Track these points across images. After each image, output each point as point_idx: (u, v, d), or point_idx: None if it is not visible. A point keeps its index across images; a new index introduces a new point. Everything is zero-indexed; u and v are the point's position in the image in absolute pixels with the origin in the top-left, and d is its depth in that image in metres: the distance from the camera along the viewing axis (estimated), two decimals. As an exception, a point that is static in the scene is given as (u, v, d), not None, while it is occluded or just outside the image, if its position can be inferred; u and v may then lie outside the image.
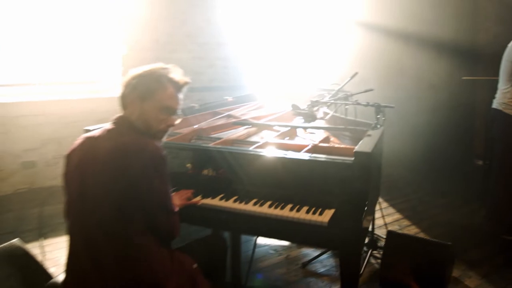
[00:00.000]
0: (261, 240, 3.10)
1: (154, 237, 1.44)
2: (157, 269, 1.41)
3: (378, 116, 2.34)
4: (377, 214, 3.27)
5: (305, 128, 2.53)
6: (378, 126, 2.25)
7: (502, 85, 3.01)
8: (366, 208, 1.64)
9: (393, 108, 2.36)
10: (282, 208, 1.73)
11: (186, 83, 1.63)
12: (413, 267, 2.40)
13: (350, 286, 1.75)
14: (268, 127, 2.59)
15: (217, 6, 5.00)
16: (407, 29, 5.03)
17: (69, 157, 1.54)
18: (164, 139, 1.63)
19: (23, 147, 4.07)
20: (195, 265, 1.56)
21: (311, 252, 2.93)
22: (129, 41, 4.49)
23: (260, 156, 1.87)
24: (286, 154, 1.86)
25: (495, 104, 3.08)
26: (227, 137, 2.30)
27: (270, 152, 1.89)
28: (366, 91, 2.69)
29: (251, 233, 2.20)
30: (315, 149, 1.99)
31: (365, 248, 2.91)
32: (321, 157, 1.78)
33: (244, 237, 2.92)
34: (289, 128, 2.48)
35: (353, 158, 1.65)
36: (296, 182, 1.80)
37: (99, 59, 4.58)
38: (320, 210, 1.68)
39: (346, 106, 2.73)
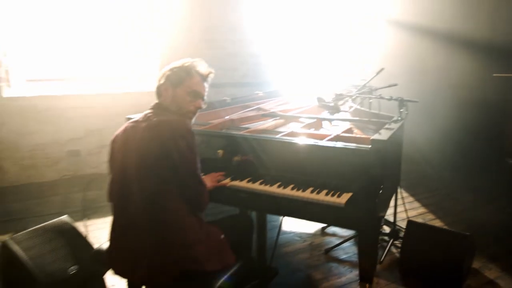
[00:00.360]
0: (287, 227, 3.26)
1: (186, 205, 1.64)
2: (187, 233, 1.62)
3: (401, 110, 2.44)
4: (400, 208, 3.36)
5: (330, 120, 2.67)
6: (399, 119, 2.35)
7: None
8: (381, 192, 1.77)
9: (417, 103, 2.45)
10: (303, 190, 1.88)
11: (210, 73, 1.90)
12: (432, 256, 2.49)
13: (367, 267, 1.88)
14: (295, 118, 2.74)
15: (249, 5, 5.17)
16: (435, 25, 5.02)
17: (113, 142, 1.77)
18: (194, 119, 1.87)
19: (69, 137, 4.41)
20: (222, 236, 1.75)
21: (334, 239, 3.07)
22: (167, 40, 4.74)
23: (284, 143, 2.03)
24: (308, 142, 2.01)
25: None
26: (256, 127, 2.47)
27: (294, 140, 2.05)
28: (389, 85, 2.79)
29: (275, 213, 2.36)
30: (337, 138, 2.13)
31: (386, 238, 3.01)
32: (340, 144, 1.92)
33: (271, 224, 3.10)
34: (314, 120, 2.62)
35: (370, 146, 1.79)
36: (317, 167, 1.94)
37: (142, 57, 4.88)
38: (338, 193, 1.82)
39: (370, 100, 2.84)
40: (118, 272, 1.72)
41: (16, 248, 2.24)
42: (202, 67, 1.86)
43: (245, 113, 2.95)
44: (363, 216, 1.73)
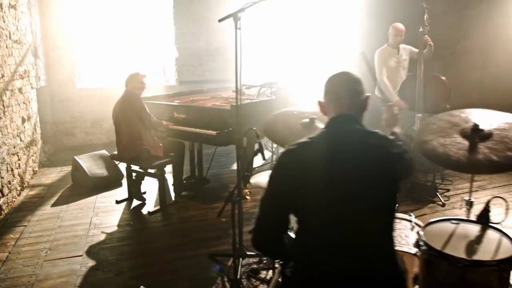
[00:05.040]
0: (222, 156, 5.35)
1: (142, 126, 3.88)
2: (144, 139, 3.86)
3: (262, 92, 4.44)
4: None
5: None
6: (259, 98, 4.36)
7: None
8: (229, 130, 3.84)
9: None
10: (199, 128, 3.99)
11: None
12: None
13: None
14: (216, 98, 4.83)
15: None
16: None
17: (115, 105, 4.01)
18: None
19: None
20: (160, 144, 3.96)
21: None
22: (181, 48, 6.98)
23: (192, 106, 4.15)
24: (202, 106, 4.12)
25: None
26: (190, 102, 4.61)
27: (197, 105, 4.16)
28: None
29: (187, 139, 4.48)
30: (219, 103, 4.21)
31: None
32: (217, 106, 4.02)
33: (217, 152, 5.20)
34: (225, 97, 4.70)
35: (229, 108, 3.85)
36: (205, 118, 4.04)
37: (162, 59, 7.20)
38: (212, 130, 3.90)
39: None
40: (119, 159, 3.99)
41: (79, 161, 4.62)
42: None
43: (203, 96, 5.08)
44: (224, 140, 3.80)
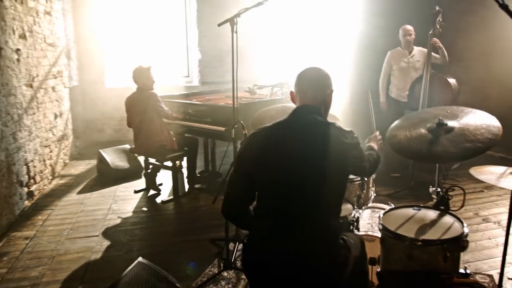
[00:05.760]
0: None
1: (160, 121, 4.22)
2: (159, 132, 4.20)
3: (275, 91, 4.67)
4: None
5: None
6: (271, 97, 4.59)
7: None
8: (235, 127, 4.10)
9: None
10: (208, 124, 4.28)
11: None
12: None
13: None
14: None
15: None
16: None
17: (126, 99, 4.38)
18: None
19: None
20: (174, 138, 4.29)
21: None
22: (203, 50, 7.34)
23: (202, 105, 4.45)
24: (211, 104, 4.40)
25: None
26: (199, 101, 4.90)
27: (207, 103, 4.45)
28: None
29: (198, 135, 4.79)
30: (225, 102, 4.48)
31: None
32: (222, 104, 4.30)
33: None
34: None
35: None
36: (213, 114, 4.32)
37: (187, 61, 7.58)
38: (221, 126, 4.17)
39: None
40: (137, 153, 4.35)
41: (103, 154, 5.04)
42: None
43: (219, 96, 5.38)
44: (228, 135, 4.07)
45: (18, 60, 4.09)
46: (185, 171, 4.81)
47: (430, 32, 4.57)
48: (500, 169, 2.01)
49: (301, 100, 1.81)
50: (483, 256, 3.08)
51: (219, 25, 2.87)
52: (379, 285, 1.98)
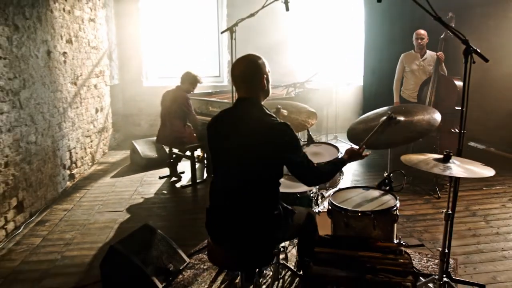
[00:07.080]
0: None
1: (181, 121, 4.80)
2: (180, 129, 4.77)
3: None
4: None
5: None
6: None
7: None
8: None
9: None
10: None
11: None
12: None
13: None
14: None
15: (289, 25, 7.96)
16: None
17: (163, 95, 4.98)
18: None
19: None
20: (193, 134, 4.86)
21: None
22: (235, 51, 7.87)
23: (209, 101, 4.97)
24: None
25: None
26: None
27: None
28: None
29: None
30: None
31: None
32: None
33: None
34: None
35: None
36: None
37: (218, 62, 8.18)
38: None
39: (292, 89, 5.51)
40: (159, 141, 4.97)
41: (135, 144, 5.71)
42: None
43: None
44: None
45: (64, 61, 4.84)
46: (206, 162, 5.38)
47: (441, 37, 4.85)
48: (423, 156, 2.33)
49: (238, 94, 2.05)
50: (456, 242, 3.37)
51: (221, 32, 3.37)
52: (321, 244, 2.28)
